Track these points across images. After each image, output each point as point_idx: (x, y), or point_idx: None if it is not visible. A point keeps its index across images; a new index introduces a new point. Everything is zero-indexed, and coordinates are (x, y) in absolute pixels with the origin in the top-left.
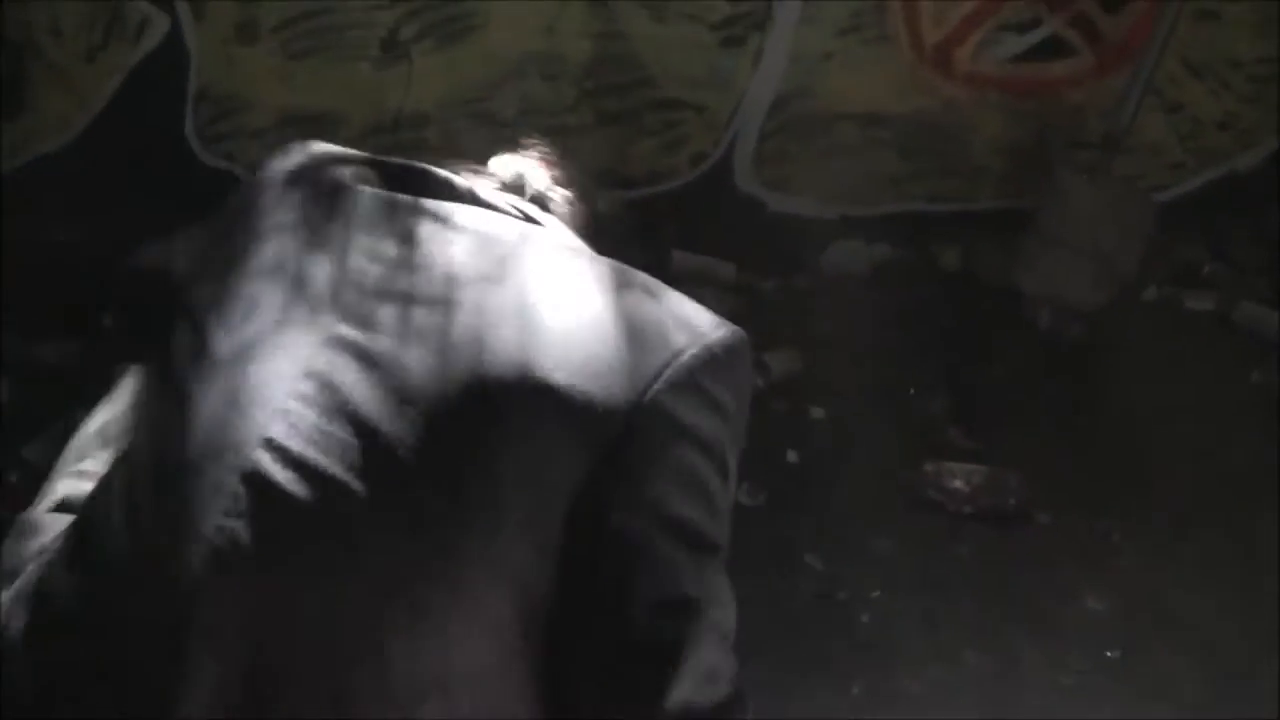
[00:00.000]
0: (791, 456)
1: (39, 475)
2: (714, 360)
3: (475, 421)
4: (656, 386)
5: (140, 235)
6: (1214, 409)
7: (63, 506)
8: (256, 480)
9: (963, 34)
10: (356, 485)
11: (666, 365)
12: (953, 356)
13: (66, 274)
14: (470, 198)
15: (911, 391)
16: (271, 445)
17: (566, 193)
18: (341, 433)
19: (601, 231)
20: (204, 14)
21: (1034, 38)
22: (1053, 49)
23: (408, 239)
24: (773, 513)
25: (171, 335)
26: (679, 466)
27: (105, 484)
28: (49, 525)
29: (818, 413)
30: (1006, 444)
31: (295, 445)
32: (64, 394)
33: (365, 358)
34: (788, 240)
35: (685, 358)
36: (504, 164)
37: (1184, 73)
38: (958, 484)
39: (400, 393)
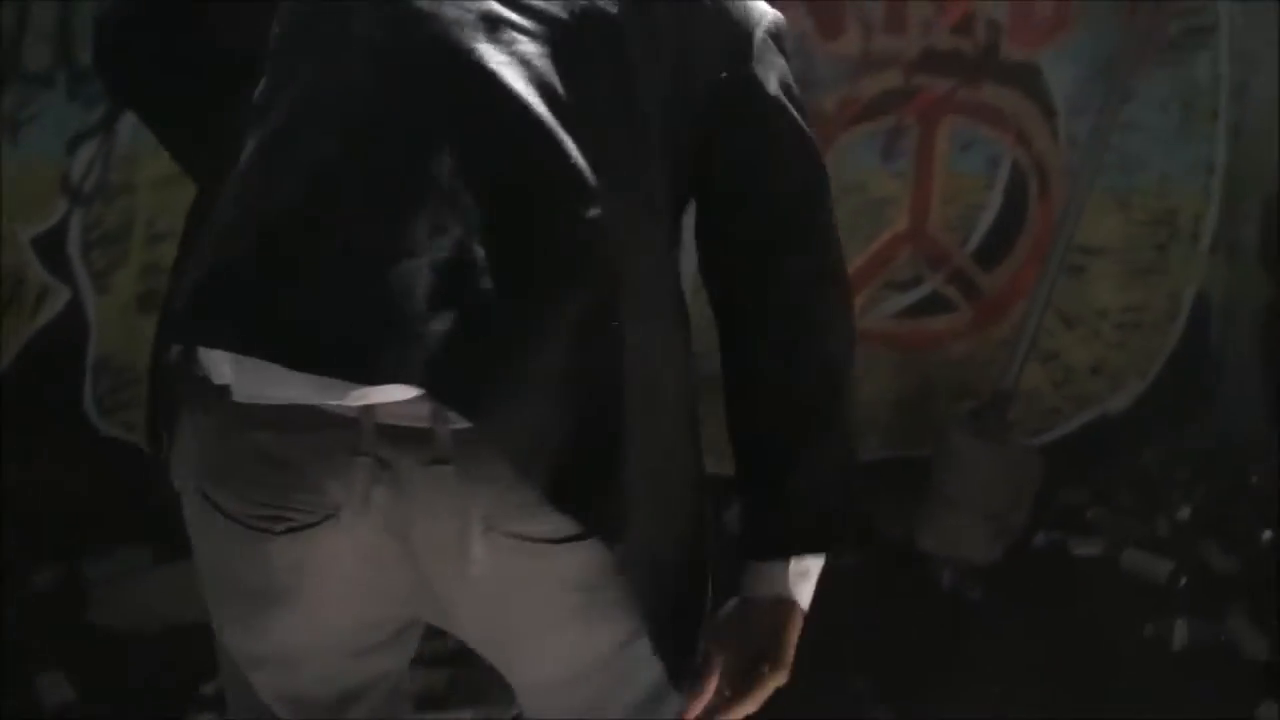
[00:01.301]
0: None
1: None
2: (780, 22)
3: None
4: (763, 26)
5: (37, 510)
6: (1114, 665)
7: None
8: None
9: None
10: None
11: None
12: (865, 621)
13: None
14: None
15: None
16: None
17: None
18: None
19: None
20: (106, 286)
21: (916, 295)
22: (934, 305)
23: None
24: None
25: None
26: (786, 73)
27: None
28: None
29: None
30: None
31: None
32: None
33: None
34: None
35: (769, 16)
36: None
37: (1057, 323)
38: None
39: None
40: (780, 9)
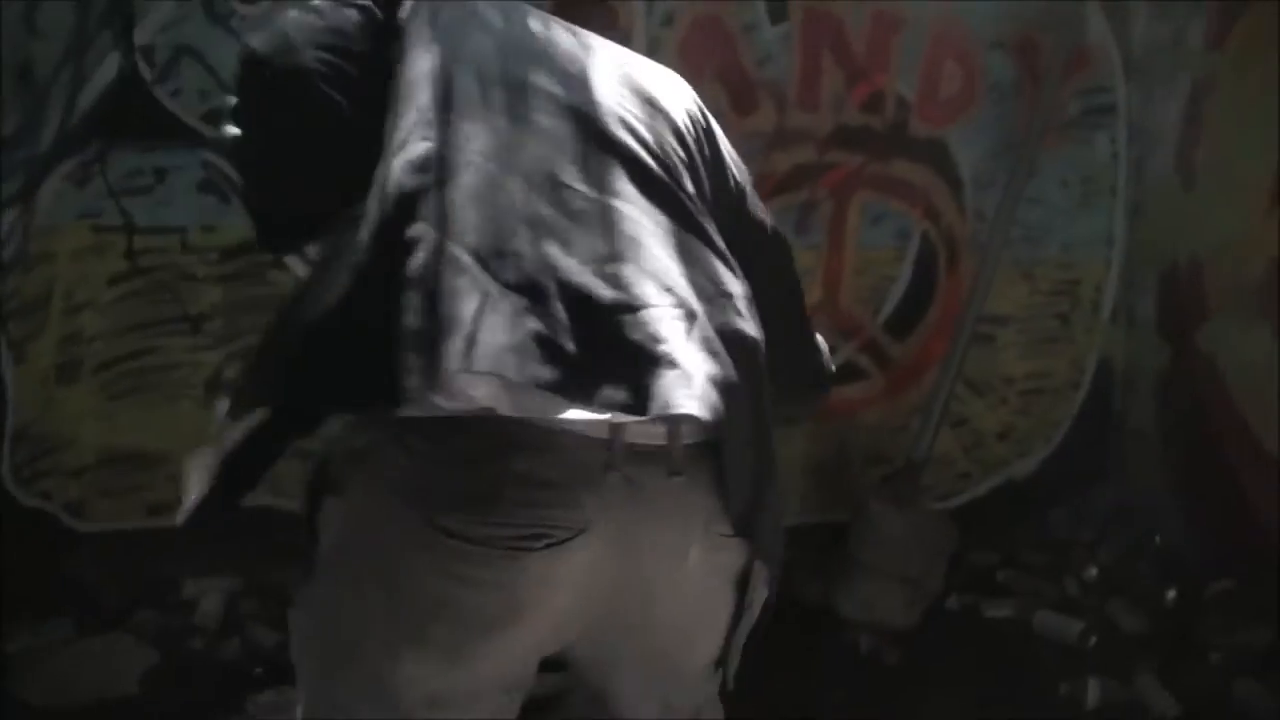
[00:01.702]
0: None
1: None
2: None
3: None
4: None
5: None
6: None
7: None
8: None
9: None
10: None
11: None
12: (784, 685)
13: None
14: None
15: None
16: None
17: None
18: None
19: None
20: (24, 355)
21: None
22: (846, 374)
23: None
24: None
25: None
26: None
27: None
28: None
29: None
30: None
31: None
32: None
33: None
34: None
35: None
36: None
37: (966, 390)
38: None
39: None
40: (694, 84)
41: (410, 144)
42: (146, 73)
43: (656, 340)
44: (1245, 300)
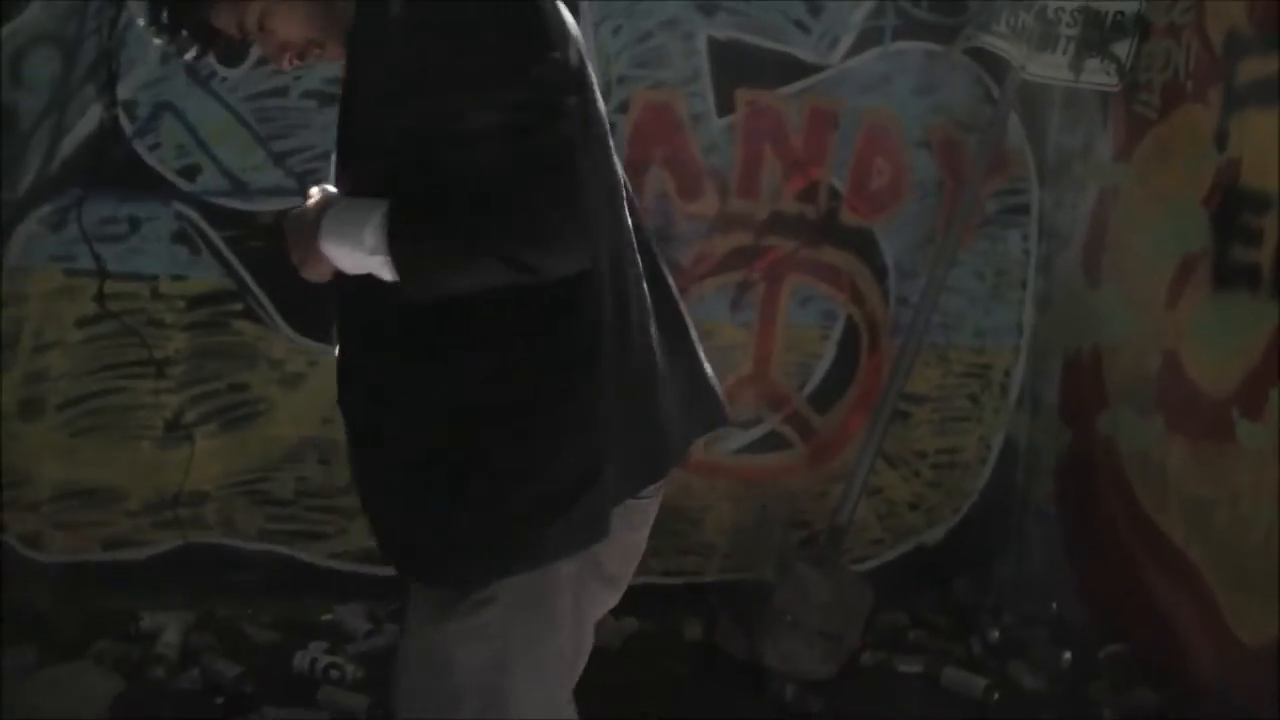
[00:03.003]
0: None
1: None
2: None
3: None
4: None
5: None
6: None
7: None
8: None
9: None
10: None
11: None
12: None
13: None
14: None
15: None
16: None
17: None
18: None
19: None
20: None
21: (756, 434)
22: (771, 443)
23: None
24: None
25: None
26: None
27: None
28: None
29: None
30: None
31: None
32: None
33: None
34: None
35: None
36: None
37: (882, 463)
38: None
39: None
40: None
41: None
42: (127, 126)
43: (694, 376)
44: (1142, 391)
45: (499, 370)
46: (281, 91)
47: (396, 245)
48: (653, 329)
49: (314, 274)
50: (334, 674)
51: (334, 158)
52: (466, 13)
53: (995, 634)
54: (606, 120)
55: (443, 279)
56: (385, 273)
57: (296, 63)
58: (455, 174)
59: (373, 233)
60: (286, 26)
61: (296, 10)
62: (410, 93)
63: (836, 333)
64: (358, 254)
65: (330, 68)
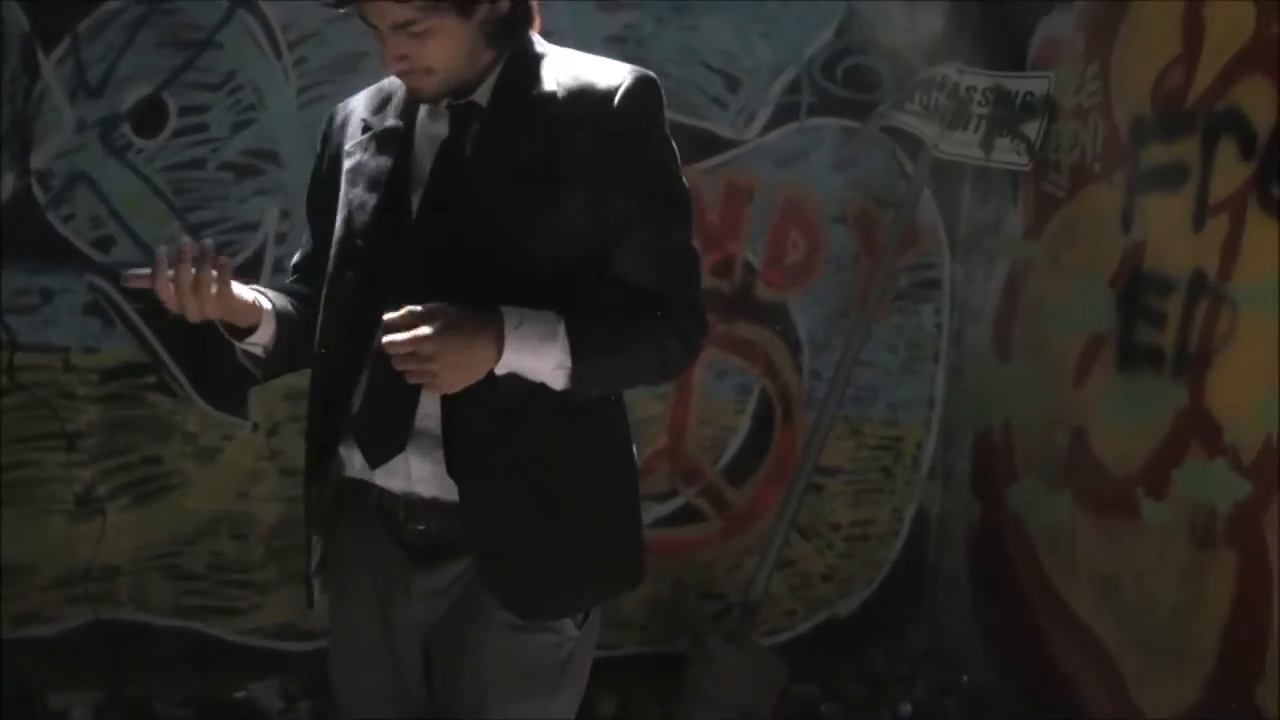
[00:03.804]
0: None
1: None
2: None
3: None
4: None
5: None
6: None
7: None
8: None
9: None
10: None
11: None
12: None
13: None
14: None
15: None
16: None
17: None
18: None
19: None
20: None
21: (671, 506)
22: (686, 516)
23: None
24: None
25: None
26: None
27: None
28: None
29: None
30: None
31: None
32: None
33: None
34: None
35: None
36: None
37: (795, 535)
38: None
39: None
40: None
41: None
42: (40, 196)
43: None
44: (1051, 466)
45: (615, 423)
46: (199, 163)
47: (579, 364)
48: None
49: (457, 384)
50: None
51: (358, 237)
52: (666, 138)
53: (907, 707)
54: None
55: (607, 389)
56: (557, 384)
57: (408, 76)
58: (626, 283)
59: (562, 349)
60: (443, 45)
61: (465, 39)
62: (613, 195)
63: (751, 405)
64: (542, 368)
65: (251, 138)
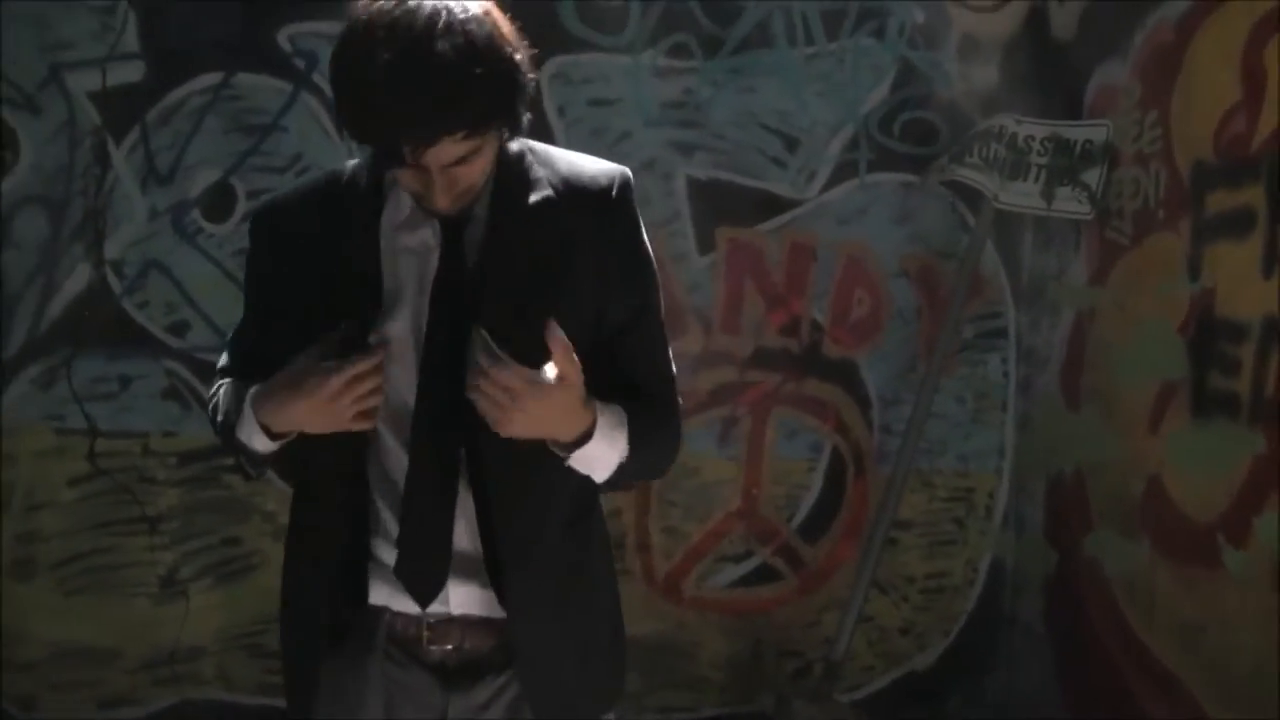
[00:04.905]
0: None
1: None
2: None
3: None
4: None
5: None
6: None
7: None
8: None
9: (687, 566)
10: None
11: None
12: None
13: None
14: None
15: None
16: None
17: None
18: None
19: None
20: None
21: (747, 567)
22: (763, 575)
23: None
24: None
25: None
26: None
27: None
28: None
29: None
30: None
31: None
32: None
33: None
34: None
35: None
36: None
37: (872, 589)
38: None
39: None
40: None
41: None
42: (115, 285)
43: None
44: (1126, 514)
45: (601, 514)
46: None
47: (633, 455)
48: None
49: (518, 431)
50: None
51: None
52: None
53: None
54: None
55: (630, 481)
56: (605, 474)
57: (458, 201)
58: (633, 378)
59: (625, 440)
60: (486, 162)
61: (491, 154)
62: (624, 292)
63: (823, 463)
64: (611, 458)
65: None
